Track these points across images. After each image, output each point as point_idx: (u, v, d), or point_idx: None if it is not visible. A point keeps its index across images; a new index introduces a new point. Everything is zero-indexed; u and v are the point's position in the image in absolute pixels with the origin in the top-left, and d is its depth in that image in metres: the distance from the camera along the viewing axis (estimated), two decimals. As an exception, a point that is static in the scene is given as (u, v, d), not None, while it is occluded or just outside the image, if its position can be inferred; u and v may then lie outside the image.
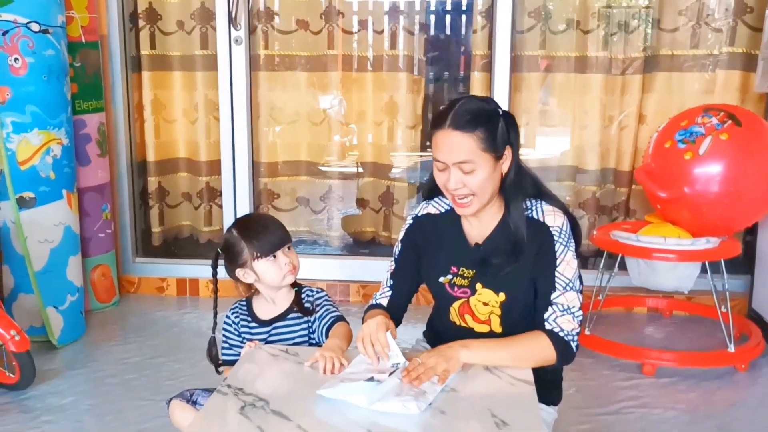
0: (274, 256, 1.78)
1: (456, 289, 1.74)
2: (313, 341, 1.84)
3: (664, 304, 3.44)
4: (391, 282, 1.83)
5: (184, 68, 3.75)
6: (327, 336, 1.76)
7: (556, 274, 1.65)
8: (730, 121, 2.76)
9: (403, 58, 3.67)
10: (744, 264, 3.31)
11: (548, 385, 1.74)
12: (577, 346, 1.63)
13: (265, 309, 1.86)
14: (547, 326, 1.62)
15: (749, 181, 2.74)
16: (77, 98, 3.23)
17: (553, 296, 1.64)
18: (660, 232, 2.85)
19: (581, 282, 1.68)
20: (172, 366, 2.89)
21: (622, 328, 3.28)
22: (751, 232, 3.26)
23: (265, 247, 1.78)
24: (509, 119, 1.68)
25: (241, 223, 1.86)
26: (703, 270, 2.90)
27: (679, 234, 2.84)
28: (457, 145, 1.61)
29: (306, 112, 3.80)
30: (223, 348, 1.89)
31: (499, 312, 1.71)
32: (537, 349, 1.61)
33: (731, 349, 2.81)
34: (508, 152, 1.67)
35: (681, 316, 3.43)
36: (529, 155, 3.72)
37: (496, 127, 1.63)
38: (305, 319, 1.84)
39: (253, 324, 1.85)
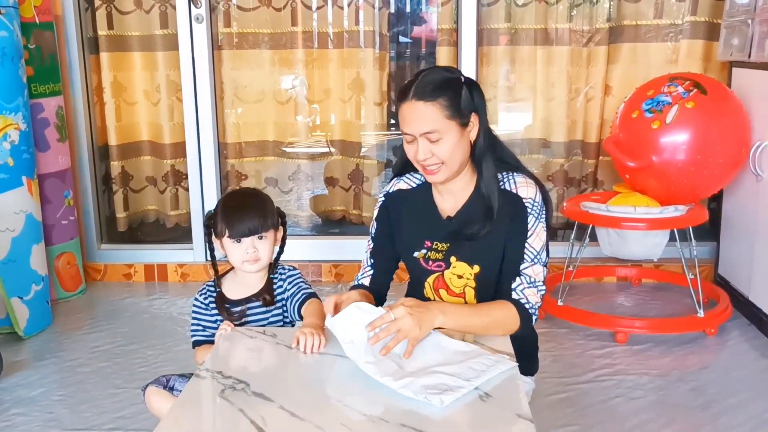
0: (240, 241, 1.75)
1: (431, 263, 1.74)
2: (287, 320, 1.82)
3: (634, 273, 3.49)
4: (372, 261, 1.82)
5: (144, 49, 3.65)
6: (299, 312, 1.76)
7: (526, 245, 1.66)
8: (695, 90, 2.78)
9: (368, 33, 3.62)
10: (710, 231, 3.36)
11: (525, 355, 1.75)
12: (536, 319, 1.66)
13: (235, 290, 1.83)
14: (515, 296, 1.64)
15: (715, 148, 2.77)
16: (33, 81, 3.12)
17: (522, 267, 1.65)
18: (629, 202, 2.88)
19: (548, 255, 1.70)
20: (145, 352, 2.84)
21: (593, 298, 3.33)
22: (716, 199, 3.31)
23: (232, 230, 1.75)
24: (473, 86, 1.68)
25: (228, 197, 1.85)
26: (671, 238, 2.94)
27: (647, 203, 2.87)
28: (422, 115, 1.62)
29: (271, 91, 3.74)
30: (195, 331, 1.86)
31: (473, 284, 1.71)
32: (506, 319, 1.61)
33: (701, 314, 2.86)
34: (474, 119, 1.67)
35: (650, 284, 3.49)
36: (496, 129, 3.71)
37: (459, 94, 1.63)
38: (280, 298, 1.82)
39: (226, 305, 1.82)
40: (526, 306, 1.63)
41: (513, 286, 1.65)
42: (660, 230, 2.88)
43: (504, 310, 1.62)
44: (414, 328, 1.44)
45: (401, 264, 1.84)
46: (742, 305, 3.04)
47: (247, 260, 1.76)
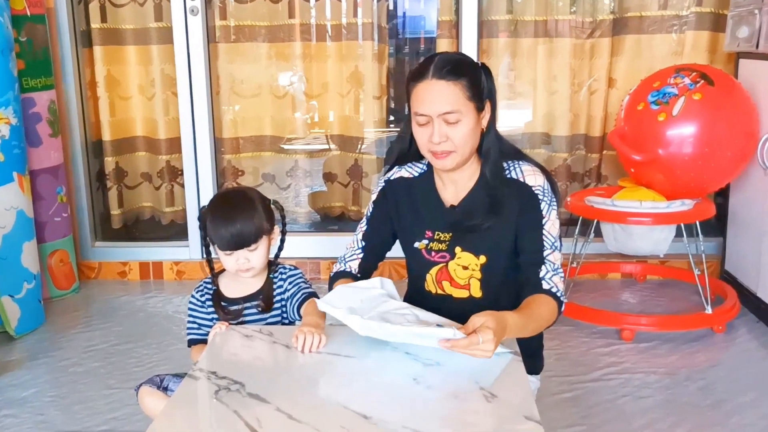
0: (231, 253, 1.69)
1: (433, 254, 1.69)
2: (286, 321, 1.77)
3: (639, 269, 3.43)
4: (363, 243, 1.76)
5: (138, 42, 3.58)
6: (299, 312, 1.70)
7: (544, 232, 1.62)
8: (702, 81, 2.72)
9: (367, 26, 3.55)
10: (716, 226, 3.31)
11: (531, 354, 1.70)
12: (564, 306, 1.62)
13: (233, 288, 1.77)
14: (546, 285, 1.59)
15: (723, 141, 2.71)
16: (24, 75, 3.06)
17: (545, 253, 1.61)
18: (635, 196, 2.82)
19: (561, 243, 1.66)
20: (140, 352, 2.79)
21: (598, 295, 3.27)
22: (722, 194, 3.25)
23: (221, 244, 1.68)
24: (488, 72, 1.65)
25: (214, 203, 1.74)
26: (677, 233, 2.88)
27: (653, 197, 2.81)
28: (443, 95, 1.56)
29: (268, 85, 3.67)
30: (190, 329, 1.80)
31: (479, 276, 1.66)
32: (549, 315, 1.57)
33: (708, 311, 2.80)
34: (488, 106, 1.64)
35: (655, 281, 3.43)
36: (498, 122, 3.66)
37: (479, 78, 1.61)
38: (279, 299, 1.76)
39: (223, 304, 1.76)
40: (558, 294, 1.59)
41: (541, 275, 1.60)
42: (666, 225, 2.83)
43: (548, 306, 1.57)
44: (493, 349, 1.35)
45: (401, 262, 1.78)
46: (750, 301, 2.99)
47: (239, 269, 1.70)
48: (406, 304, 1.52)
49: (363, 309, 1.42)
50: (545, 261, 1.61)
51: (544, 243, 1.61)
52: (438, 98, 1.56)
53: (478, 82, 1.60)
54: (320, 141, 3.82)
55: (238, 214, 1.67)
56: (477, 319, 1.37)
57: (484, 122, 1.64)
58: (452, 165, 1.62)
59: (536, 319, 1.53)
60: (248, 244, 1.67)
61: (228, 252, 1.68)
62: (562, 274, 1.62)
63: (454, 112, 1.56)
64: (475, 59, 3.43)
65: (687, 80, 2.75)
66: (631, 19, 3.41)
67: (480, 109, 1.61)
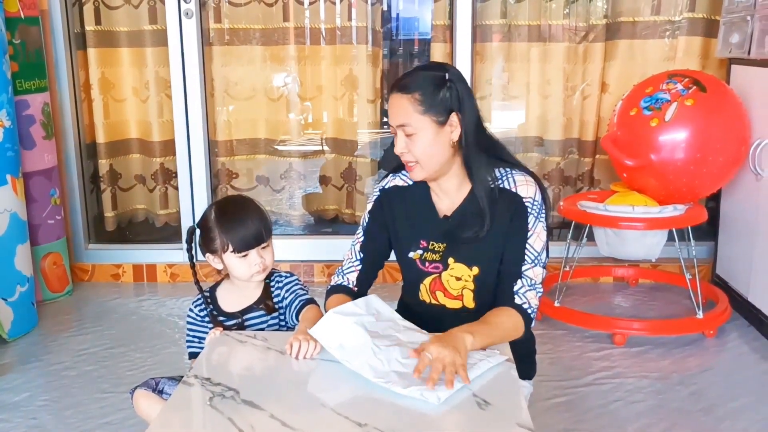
0: (246, 254, 1.69)
1: (427, 264, 1.69)
2: (284, 327, 1.77)
3: (631, 273, 3.45)
4: (361, 255, 1.76)
5: (133, 44, 3.58)
6: (298, 319, 1.70)
7: (527, 246, 1.62)
8: (694, 87, 2.74)
9: (361, 29, 3.56)
10: (707, 230, 3.32)
11: (523, 359, 1.70)
12: (534, 322, 1.64)
13: (231, 300, 1.77)
14: (518, 300, 1.60)
15: (715, 147, 2.73)
16: (18, 77, 3.05)
17: (523, 268, 1.61)
18: (627, 201, 2.83)
19: (547, 255, 1.66)
20: (133, 355, 2.78)
21: (590, 299, 3.28)
22: (714, 198, 3.26)
23: (238, 244, 1.69)
24: (460, 86, 1.59)
25: (220, 208, 1.75)
26: (669, 238, 2.90)
27: (646, 202, 2.83)
28: (396, 108, 1.60)
29: (263, 88, 3.67)
30: (190, 343, 1.80)
31: (472, 286, 1.67)
32: (514, 328, 1.58)
33: (700, 315, 2.82)
34: (455, 119, 1.58)
35: (646, 285, 3.44)
36: (490, 127, 3.66)
37: (438, 91, 1.57)
38: (278, 306, 1.76)
39: (221, 318, 1.76)
40: (529, 310, 1.60)
41: (515, 288, 1.61)
42: (659, 230, 2.84)
43: (512, 319, 1.58)
44: (456, 356, 1.36)
45: (395, 265, 1.79)
46: (741, 306, 3.00)
47: (255, 272, 1.71)
48: (393, 326, 1.50)
49: (352, 348, 1.41)
50: (522, 275, 1.61)
51: (526, 257, 1.62)
52: (394, 111, 1.60)
53: (433, 95, 1.56)
54: (314, 143, 3.82)
55: (247, 213, 1.72)
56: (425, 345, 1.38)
57: (455, 135, 1.59)
58: (420, 177, 1.63)
59: (500, 327, 1.55)
60: (263, 240, 1.70)
61: (243, 254, 1.69)
62: (540, 291, 1.62)
63: (406, 125, 1.58)
64: (469, 63, 3.47)
65: (679, 86, 2.76)
66: (624, 24, 3.43)
67: (440, 122, 1.57)
